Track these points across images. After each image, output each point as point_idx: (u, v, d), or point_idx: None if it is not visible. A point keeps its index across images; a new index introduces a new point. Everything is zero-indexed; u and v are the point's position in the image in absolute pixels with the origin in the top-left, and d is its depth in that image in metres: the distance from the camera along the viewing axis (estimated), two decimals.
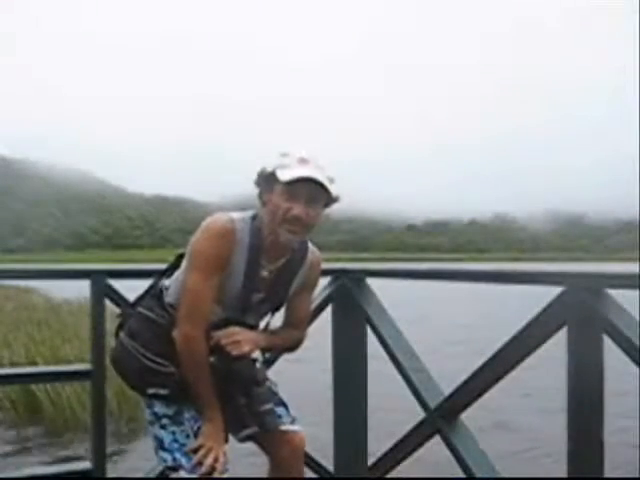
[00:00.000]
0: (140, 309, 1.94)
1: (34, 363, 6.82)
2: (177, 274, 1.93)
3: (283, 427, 1.98)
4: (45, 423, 6.02)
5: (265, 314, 1.97)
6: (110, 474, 2.67)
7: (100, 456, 2.63)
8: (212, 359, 1.83)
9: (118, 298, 2.65)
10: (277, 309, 1.98)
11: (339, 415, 2.55)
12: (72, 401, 5.91)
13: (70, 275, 2.88)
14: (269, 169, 1.78)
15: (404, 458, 2.25)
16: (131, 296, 2.68)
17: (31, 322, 10.12)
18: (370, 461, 2.44)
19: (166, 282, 1.95)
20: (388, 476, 2.34)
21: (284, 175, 1.73)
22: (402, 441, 2.22)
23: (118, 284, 2.65)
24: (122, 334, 1.95)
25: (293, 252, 1.91)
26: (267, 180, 1.79)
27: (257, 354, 1.89)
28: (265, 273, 1.88)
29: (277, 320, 2.03)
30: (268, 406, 1.91)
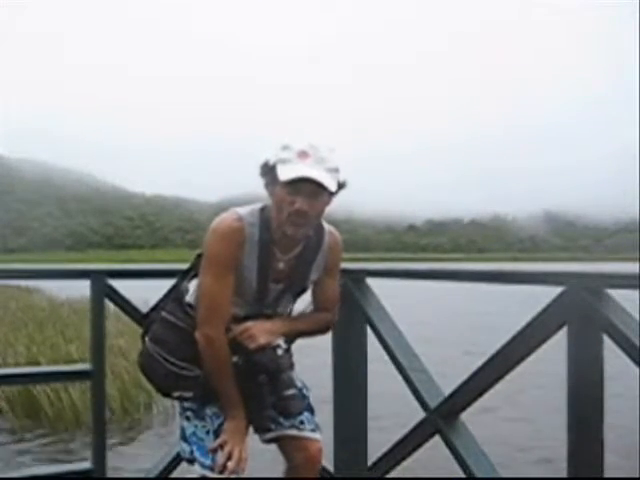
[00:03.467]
0: (163, 314, 1.94)
1: (36, 363, 6.83)
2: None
3: (302, 433, 1.97)
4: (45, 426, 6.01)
5: (289, 302, 1.98)
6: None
7: (100, 456, 2.63)
8: (235, 359, 1.84)
9: (118, 298, 2.66)
10: (299, 295, 1.99)
11: (339, 415, 2.55)
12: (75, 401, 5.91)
13: (70, 275, 2.88)
14: (271, 162, 1.77)
15: (404, 458, 2.25)
16: (131, 296, 2.69)
17: (34, 322, 10.12)
18: (370, 461, 2.44)
19: (188, 284, 1.95)
20: (388, 476, 2.34)
21: (283, 174, 1.72)
22: (402, 441, 2.22)
23: (118, 284, 2.65)
24: (147, 339, 1.97)
25: (308, 238, 1.89)
26: (270, 173, 1.78)
27: (280, 341, 1.88)
28: (281, 265, 1.88)
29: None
30: (291, 391, 1.93)
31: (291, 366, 1.95)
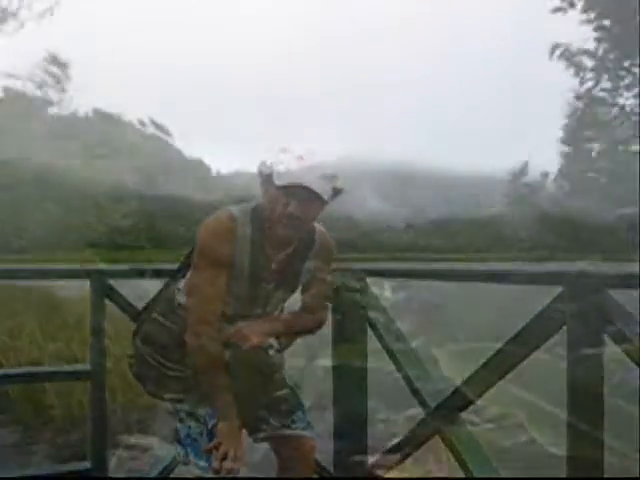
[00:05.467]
0: (154, 314, 1.94)
1: (38, 362, 6.83)
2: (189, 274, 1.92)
3: (294, 432, 1.97)
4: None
5: (280, 302, 1.97)
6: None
7: (100, 456, 2.63)
8: (227, 359, 1.83)
9: (118, 298, 2.65)
10: (289, 295, 1.98)
11: (339, 415, 2.55)
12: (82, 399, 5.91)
13: (70, 275, 2.88)
14: (269, 162, 1.77)
15: (404, 458, 2.24)
16: (130, 295, 2.69)
17: (34, 322, 10.10)
18: (370, 461, 2.43)
19: (179, 284, 1.93)
20: (388, 476, 2.34)
21: (280, 178, 1.72)
22: (402, 441, 2.22)
23: (118, 284, 2.65)
24: (138, 340, 1.96)
25: (300, 238, 1.89)
26: (266, 173, 1.78)
27: (272, 340, 1.88)
28: (273, 264, 1.87)
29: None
30: (283, 391, 1.94)
31: (281, 366, 1.96)
